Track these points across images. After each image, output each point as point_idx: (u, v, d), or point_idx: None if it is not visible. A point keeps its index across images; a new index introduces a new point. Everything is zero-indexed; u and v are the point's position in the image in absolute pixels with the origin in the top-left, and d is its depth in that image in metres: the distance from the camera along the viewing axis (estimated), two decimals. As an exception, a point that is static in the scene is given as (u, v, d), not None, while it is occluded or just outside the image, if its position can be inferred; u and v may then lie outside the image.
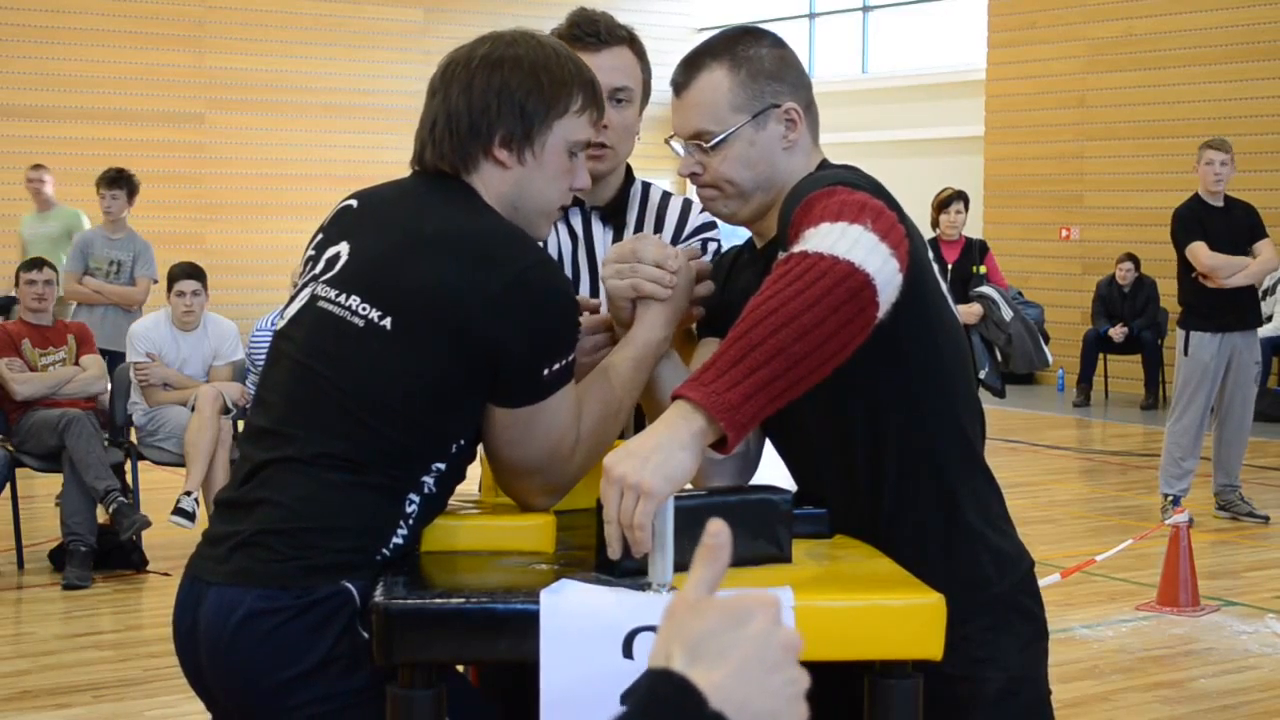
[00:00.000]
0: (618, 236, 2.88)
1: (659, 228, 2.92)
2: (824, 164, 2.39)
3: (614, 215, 2.89)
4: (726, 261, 2.55)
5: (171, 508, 7.30)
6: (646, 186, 2.97)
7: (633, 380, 2.34)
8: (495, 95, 2.26)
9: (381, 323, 2.18)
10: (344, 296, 2.23)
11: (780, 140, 2.34)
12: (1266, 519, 8.45)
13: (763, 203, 2.37)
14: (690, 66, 2.37)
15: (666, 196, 2.97)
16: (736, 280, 2.44)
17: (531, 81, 2.26)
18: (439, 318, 2.16)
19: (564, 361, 2.23)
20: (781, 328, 1.93)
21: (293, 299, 2.35)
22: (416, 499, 2.21)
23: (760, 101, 2.33)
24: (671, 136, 2.42)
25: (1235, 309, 8.26)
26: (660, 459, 1.92)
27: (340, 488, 2.17)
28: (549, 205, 2.33)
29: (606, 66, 2.73)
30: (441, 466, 2.22)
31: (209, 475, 7.27)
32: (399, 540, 2.20)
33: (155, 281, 9.02)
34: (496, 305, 2.15)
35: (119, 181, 8.93)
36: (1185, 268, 8.33)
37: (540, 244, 2.34)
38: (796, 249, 2.02)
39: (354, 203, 2.38)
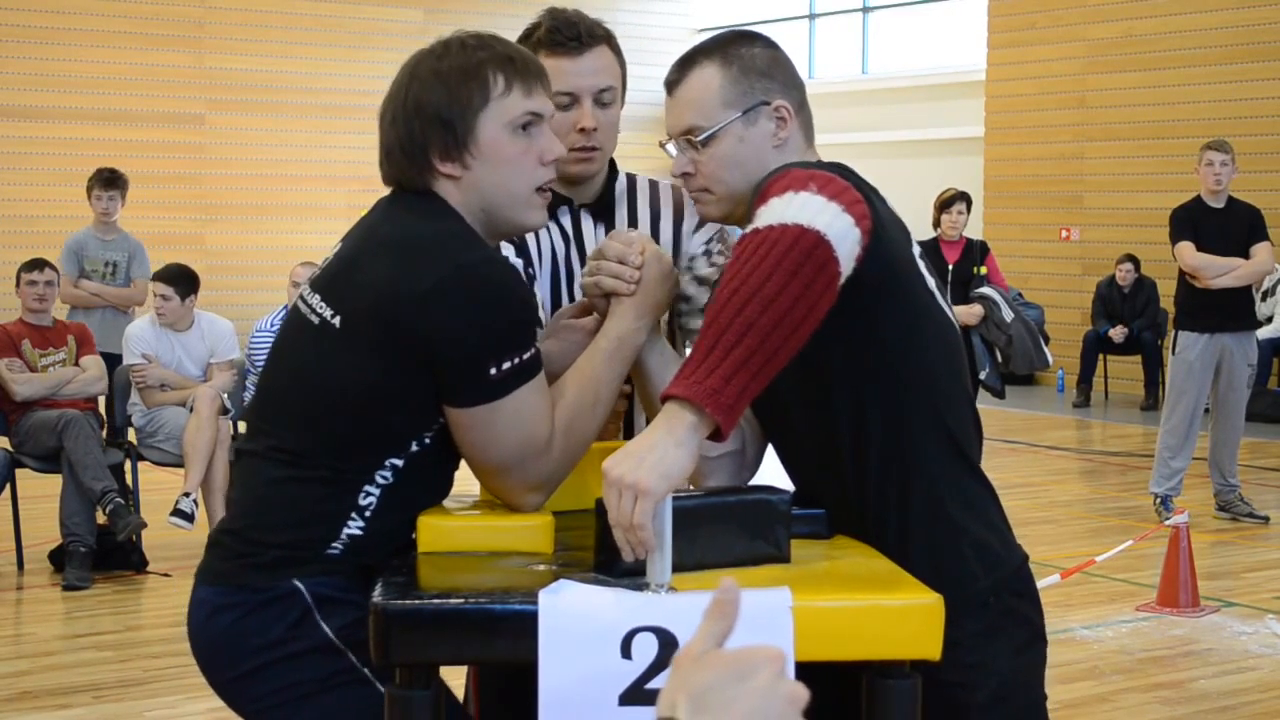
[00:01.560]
0: (609, 231, 2.86)
1: (656, 218, 2.91)
2: None
3: (603, 211, 2.88)
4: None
5: (171, 509, 7.30)
6: (632, 179, 2.95)
7: (608, 372, 2.35)
8: (415, 117, 2.26)
9: (332, 321, 2.25)
10: (312, 296, 2.30)
11: (770, 138, 2.35)
12: (1266, 519, 8.45)
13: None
14: (683, 66, 2.39)
15: (655, 185, 2.96)
16: None
17: (438, 90, 2.25)
18: (375, 315, 2.20)
19: (515, 360, 2.21)
20: (745, 304, 1.94)
21: None
22: (375, 491, 2.24)
23: (750, 98, 2.34)
24: (666, 141, 2.42)
25: (1226, 310, 8.25)
26: (656, 457, 1.93)
27: (281, 483, 2.26)
28: (521, 193, 2.31)
29: (590, 69, 2.73)
30: (398, 462, 2.25)
31: (208, 476, 7.27)
32: (355, 532, 2.24)
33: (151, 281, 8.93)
34: (425, 301, 2.17)
35: (115, 182, 8.71)
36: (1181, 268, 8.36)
37: (514, 242, 2.35)
38: (748, 229, 2.03)
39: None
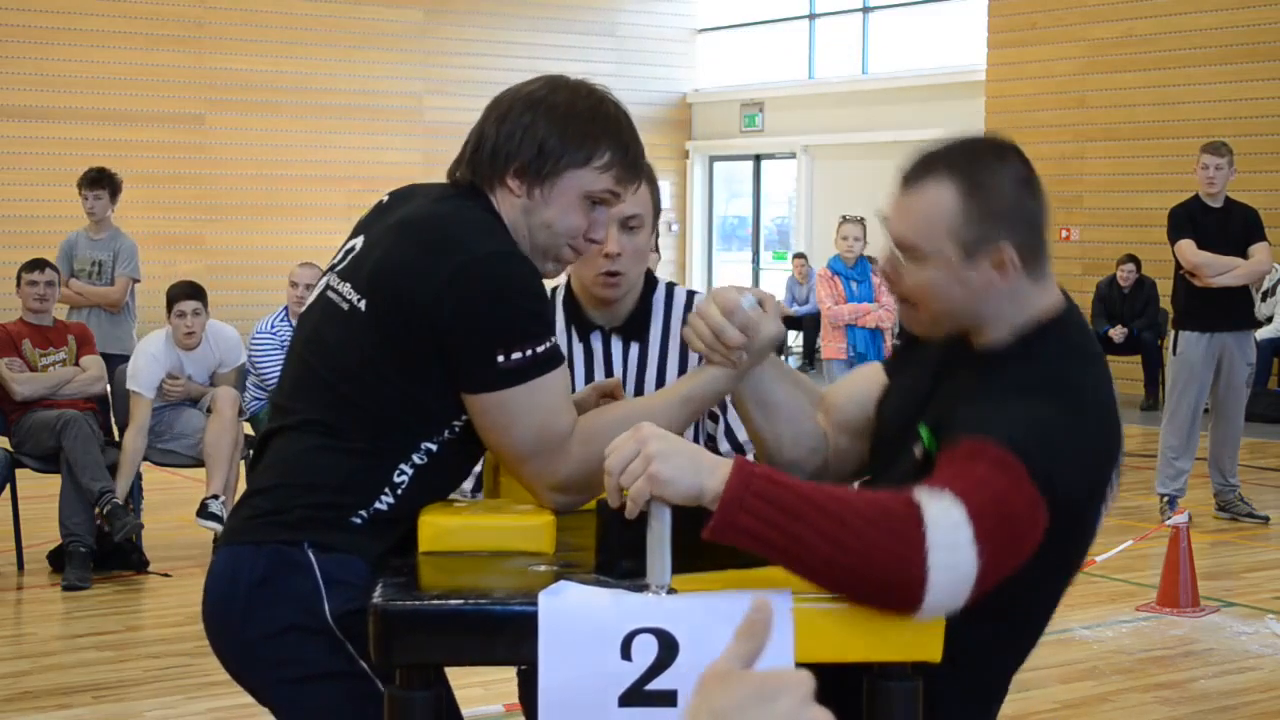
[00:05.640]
0: (642, 352, 2.97)
1: (668, 336, 2.98)
2: (1067, 302, 2.35)
3: (635, 333, 2.97)
4: (907, 336, 2.44)
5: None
6: (670, 290, 3.03)
7: (663, 414, 2.30)
8: (522, 130, 2.33)
9: (359, 305, 2.30)
10: (342, 284, 2.36)
11: (985, 284, 2.21)
12: (1266, 519, 8.45)
13: (959, 327, 2.27)
14: (925, 168, 2.21)
15: (691, 297, 3.03)
16: (905, 368, 2.42)
17: (559, 126, 2.33)
18: (396, 298, 2.26)
19: (526, 352, 2.24)
20: (825, 541, 1.91)
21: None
22: (408, 470, 2.29)
23: (978, 242, 2.18)
24: (885, 218, 2.27)
25: (1225, 309, 8.26)
26: (682, 464, 1.95)
27: (320, 450, 2.30)
28: (552, 244, 2.38)
29: None
30: (432, 446, 2.30)
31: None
32: (382, 507, 2.28)
33: (136, 280, 8.79)
34: (443, 287, 2.22)
35: (101, 181, 8.73)
36: (1180, 267, 8.35)
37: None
38: (914, 494, 1.96)
39: (385, 199, 2.50)
